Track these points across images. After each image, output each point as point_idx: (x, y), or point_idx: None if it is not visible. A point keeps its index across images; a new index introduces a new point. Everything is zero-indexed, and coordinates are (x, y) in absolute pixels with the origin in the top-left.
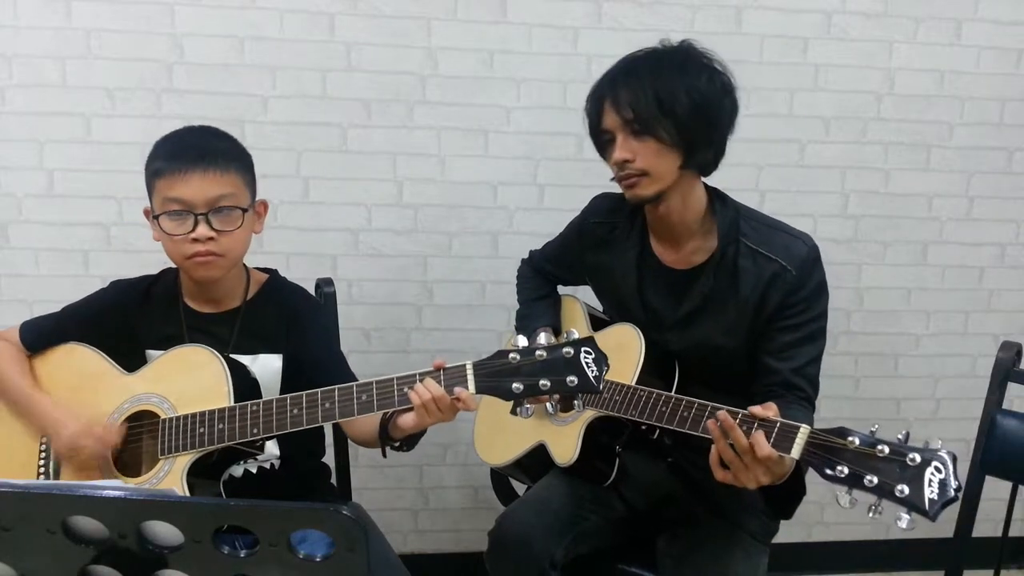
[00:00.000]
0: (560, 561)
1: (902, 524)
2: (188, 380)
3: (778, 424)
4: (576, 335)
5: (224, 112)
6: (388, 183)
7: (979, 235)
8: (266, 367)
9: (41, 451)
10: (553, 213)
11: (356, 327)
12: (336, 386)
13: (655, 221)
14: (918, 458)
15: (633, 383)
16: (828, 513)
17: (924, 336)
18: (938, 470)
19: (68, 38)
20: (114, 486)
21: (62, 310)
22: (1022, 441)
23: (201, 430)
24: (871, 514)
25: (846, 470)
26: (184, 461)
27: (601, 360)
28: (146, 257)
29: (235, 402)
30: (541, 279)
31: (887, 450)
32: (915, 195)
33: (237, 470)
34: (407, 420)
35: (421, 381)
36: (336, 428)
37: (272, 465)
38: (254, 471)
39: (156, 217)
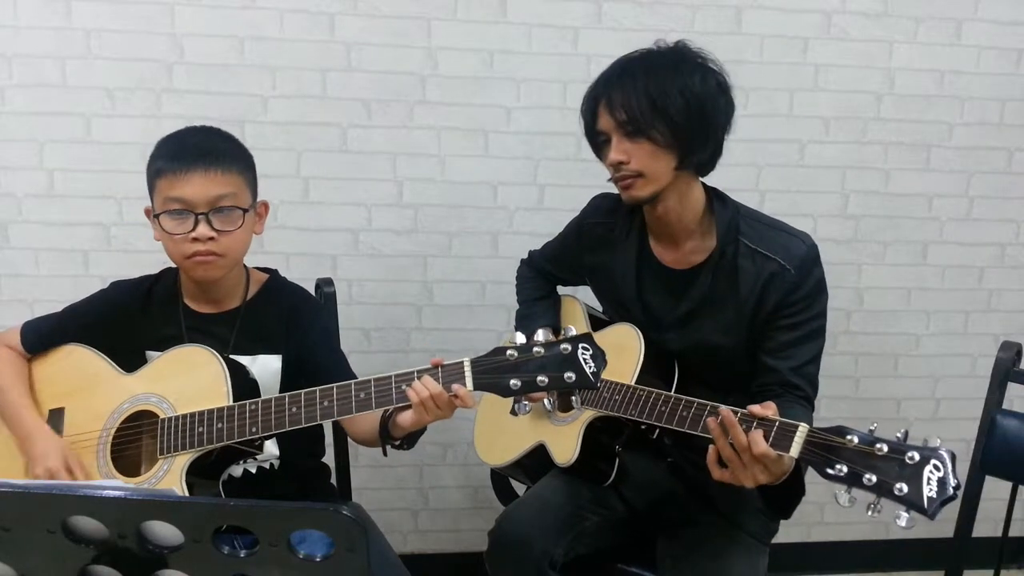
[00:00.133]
0: (560, 561)
1: (901, 523)
2: (187, 380)
3: (777, 423)
4: (574, 332)
5: (224, 112)
6: (388, 183)
7: (979, 235)
8: (266, 368)
9: None
10: (553, 213)
11: (356, 327)
12: (334, 384)
13: (653, 221)
14: (917, 456)
15: (632, 383)
16: (828, 513)
17: (924, 336)
18: (937, 468)
19: (68, 38)
20: (114, 486)
21: (63, 311)
22: (1022, 441)
23: (200, 429)
24: (870, 512)
25: (845, 468)
26: (183, 461)
27: (599, 356)
28: (146, 257)
29: (234, 402)
30: (541, 279)
31: (886, 448)
32: (915, 195)
33: (236, 470)
34: (406, 418)
35: (419, 379)
36: (336, 428)
37: (272, 465)
38: (253, 471)
39: (157, 216)
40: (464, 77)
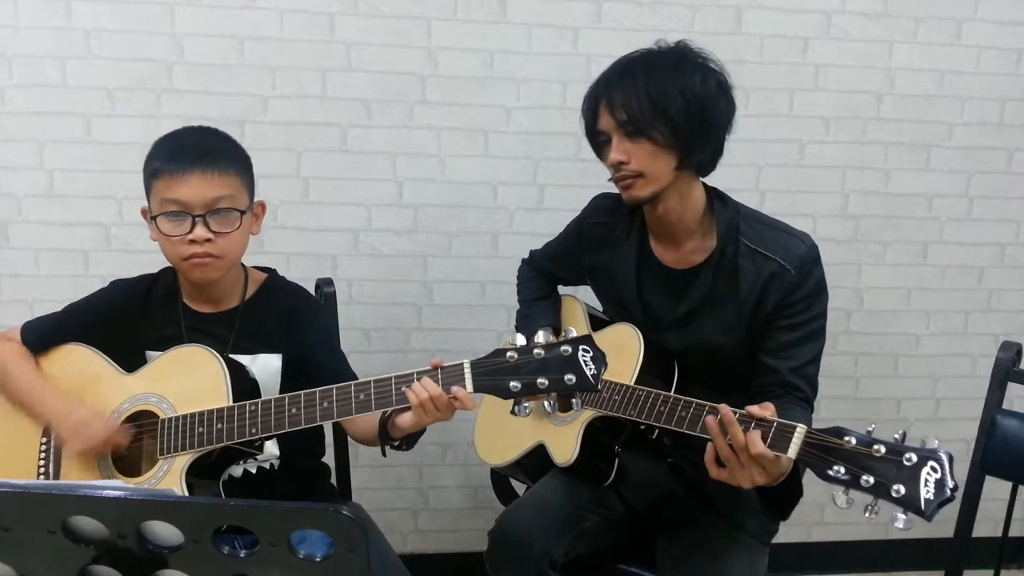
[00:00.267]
0: (560, 561)
1: (898, 524)
2: (187, 380)
3: (775, 424)
4: (574, 334)
5: (224, 112)
6: (388, 183)
7: (979, 235)
8: (266, 367)
9: (41, 450)
10: (553, 213)
11: (356, 327)
12: (334, 385)
13: (654, 221)
14: (914, 457)
15: (632, 383)
16: (828, 513)
17: (924, 336)
18: (934, 469)
19: (68, 38)
20: (114, 486)
21: (63, 310)
22: (1022, 441)
23: (200, 430)
24: (867, 514)
25: (843, 470)
26: (183, 461)
27: (599, 359)
28: (146, 257)
29: (234, 402)
30: (541, 279)
31: (883, 450)
32: (915, 195)
33: (236, 470)
34: (406, 419)
35: (418, 380)
36: (336, 428)
37: (272, 465)
38: (253, 471)
39: (154, 218)
40: (464, 77)
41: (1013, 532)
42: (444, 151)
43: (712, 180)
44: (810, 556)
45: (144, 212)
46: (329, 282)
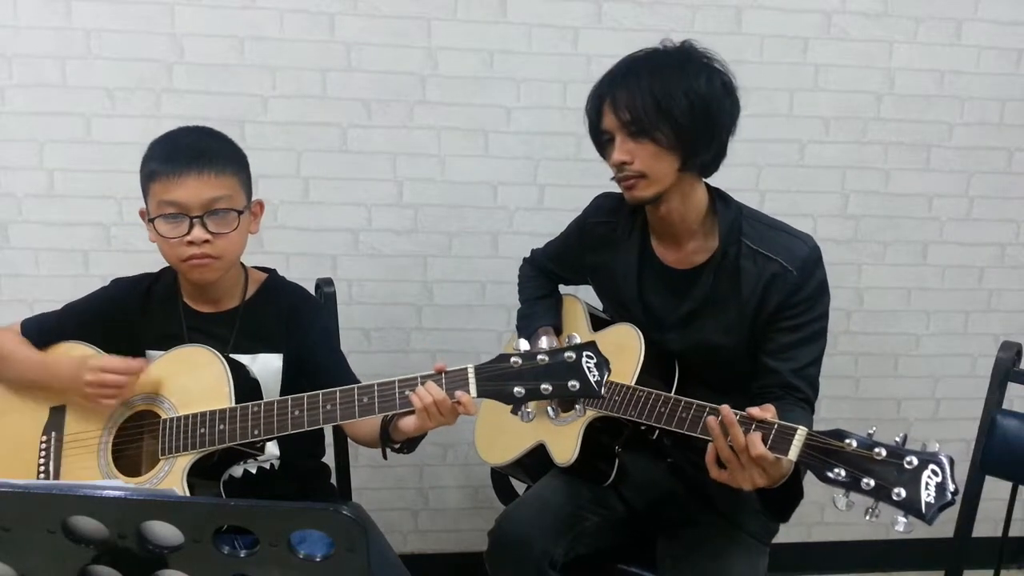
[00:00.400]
0: (560, 561)
1: (899, 528)
2: (189, 380)
3: (776, 426)
4: (578, 339)
5: (224, 112)
6: (388, 183)
7: (979, 235)
8: (266, 367)
9: (41, 450)
10: (553, 213)
11: (356, 327)
12: (337, 388)
13: (656, 221)
14: (915, 461)
15: (633, 383)
16: (828, 513)
17: (924, 336)
18: (935, 473)
19: (68, 38)
20: (114, 486)
21: (63, 308)
22: (1022, 441)
23: (202, 431)
24: (868, 517)
25: (843, 472)
26: (185, 461)
27: (603, 365)
28: (146, 257)
29: (236, 402)
30: (543, 278)
31: (884, 453)
32: (915, 195)
33: (237, 470)
34: (408, 423)
35: (422, 384)
36: (336, 428)
37: (272, 465)
38: (254, 471)
39: (152, 220)
40: (464, 77)
41: (1013, 532)
42: (444, 151)
43: (712, 180)
44: (810, 556)
45: (142, 213)
46: (329, 282)
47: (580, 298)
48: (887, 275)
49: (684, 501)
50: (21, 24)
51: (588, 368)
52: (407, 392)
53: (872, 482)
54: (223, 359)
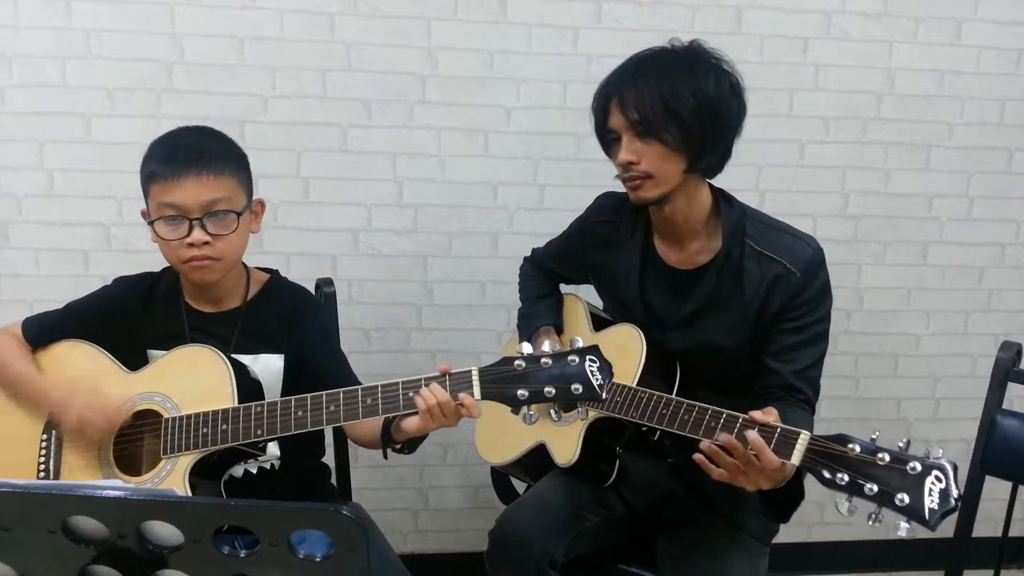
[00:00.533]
0: (560, 561)
1: (901, 533)
2: (192, 380)
3: (778, 430)
4: (580, 343)
5: (224, 112)
6: (388, 183)
7: (979, 235)
8: (267, 367)
9: (41, 449)
10: (553, 213)
11: (356, 327)
12: (341, 389)
13: (659, 221)
14: (919, 467)
15: (634, 384)
16: (828, 513)
17: (924, 336)
18: (939, 479)
19: (68, 38)
20: (114, 486)
21: (65, 307)
22: (1022, 441)
23: (204, 430)
24: (871, 522)
25: (846, 477)
26: (187, 461)
27: (605, 368)
28: (146, 257)
29: (239, 403)
30: (544, 277)
31: (888, 458)
32: (915, 195)
33: (237, 470)
34: (410, 424)
35: (427, 386)
36: (336, 429)
37: (272, 465)
38: (254, 471)
39: (152, 222)
40: (464, 77)
41: (1013, 532)
42: (444, 151)
43: (713, 180)
44: (810, 556)
45: (144, 214)
46: (329, 282)
47: (581, 297)
48: (887, 275)
49: (684, 501)
50: (21, 24)
51: (591, 372)
52: (411, 393)
53: (875, 487)
54: (226, 359)
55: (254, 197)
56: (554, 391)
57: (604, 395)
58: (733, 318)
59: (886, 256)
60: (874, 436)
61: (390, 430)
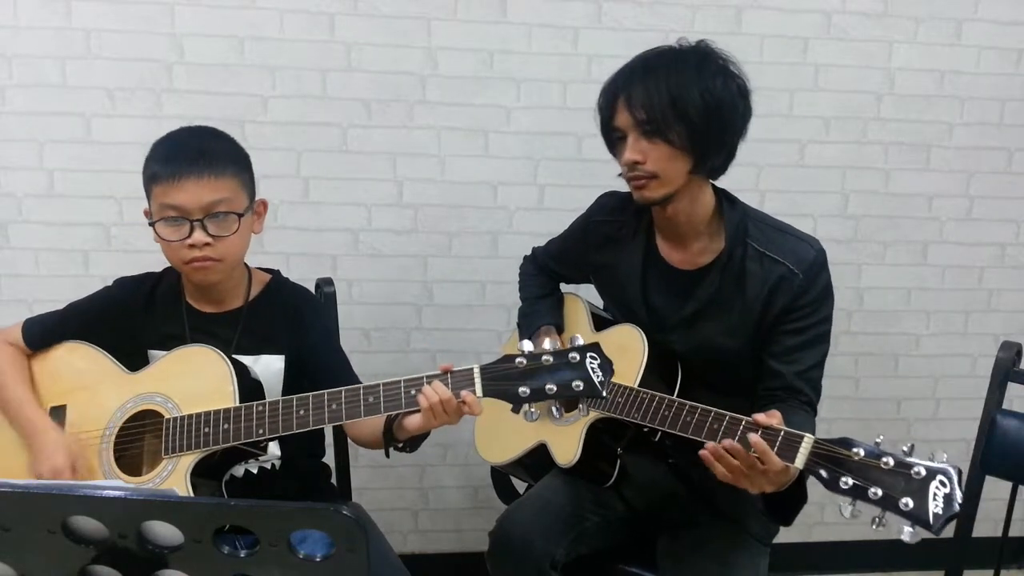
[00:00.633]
0: (561, 561)
1: (905, 537)
2: (193, 380)
3: (782, 433)
4: (581, 340)
5: (224, 112)
6: (388, 183)
7: (979, 235)
8: (268, 367)
9: None
10: (553, 213)
11: (356, 327)
12: (343, 388)
13: (662, 221)
14: (923, 471)
15: (636, 385)
16: (828, 513)
17: (924, 336)
18: (943, 484)
19: (68, 38)
20: (114, 486)
21: (66, 307)
22: (1022, 441)
23: (206, 430)
24: (874, 526)
25: (850, 481)
26: (188, 461)
27: (606, 366)
28: (146, 257)
29: (240, 403)
30: (544, 276)
31: (892, 462)
32: (915, 195)
33: (238, 470)
34: (412, 422)
35: (429, 384)
36: (337, 428)
37: (273, 465)
38: (255, 471)
39: (153, 224)
40: (464, 77)
41: (1013, 532)
42: (444, 151)
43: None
44: (810, 556)
45: (146, 213)
46: (329, 282)
47: (582, 297)
48: (887, 275)
49: (685, 502)
50: (21, 24)
51: (592, 369)
52: (413, 391)
53: (879, 492)
54: (227, 359)
55: (256, 197)
56: (555, 388)
57: (605, 392)
58: (734, 319)
59: (886, 256)
60: (878, 440)
61: (392, 428)
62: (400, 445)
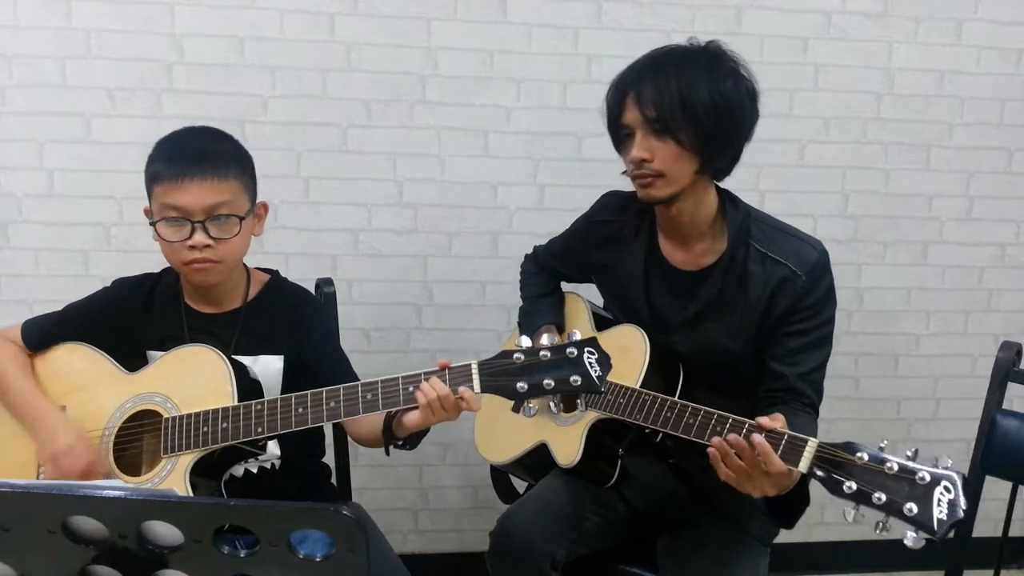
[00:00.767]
0: (561, 561)
1: (908, 542)
2: (192, 380)
3: (786, 436)
4: (579, 336)
5: (224, 112)
6: (388, 183)
7: (979, 235)
8: (267, 368)
9: None
10: (553, 213)
11: (356, 327)
12: (341, 385)
13: (665, 221)
14: (927, 477)
15: (638, 386)
16: (828, 513)
17: (924, 336)
18: (947, 490)
19: (68, 38)
20: (114, 486)
21: (64, 308)
22: (1022, 441)
23: (205, 429)
24: (878, 531)
25: (854, 486)
26: (187, 460)
27: (604, 360)
28: (146, 257)
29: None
30: (545, 276)
31: (896, 467)
32: (915, 195)
33: (238, 470)
34: (411, 419)
35: (427, 380)
36: (336, 428)
37: (272, 465)
38: (254, 471)
39: (154, 223)
40: (464, 77)
41: (1013, 532)
42: (444, 151)
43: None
44: (810, 556)
45: (147, 212)
46: (329, 282)
47: (583, 296)
48: (887, 275)
49: (685, 502)
50: (21, 24)
51: (590, 363)
52: (411, 388)
53: (883, 496)
54: (226, 359)
55: (258, 200)
56: (553, 383)
57: (603, 387)
58: (737, 320)
59: (886, 256)
60: (882, 445)
61: (391, 426)
62: (400, 442)
